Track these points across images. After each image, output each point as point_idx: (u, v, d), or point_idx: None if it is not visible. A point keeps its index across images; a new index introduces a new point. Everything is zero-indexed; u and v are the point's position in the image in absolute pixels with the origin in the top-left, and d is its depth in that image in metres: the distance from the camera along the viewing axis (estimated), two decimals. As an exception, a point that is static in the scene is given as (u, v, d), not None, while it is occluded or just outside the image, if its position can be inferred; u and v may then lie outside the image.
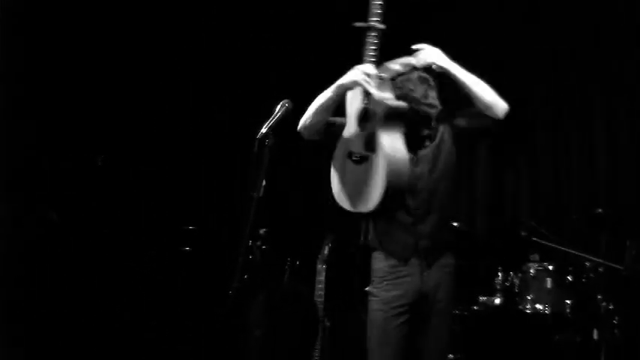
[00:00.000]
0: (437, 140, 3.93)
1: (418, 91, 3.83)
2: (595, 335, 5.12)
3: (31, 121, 5.97)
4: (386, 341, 3.86)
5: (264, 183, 3.66)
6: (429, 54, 3.90)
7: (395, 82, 3.88)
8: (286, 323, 5.55)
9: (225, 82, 6.58)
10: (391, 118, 3.81)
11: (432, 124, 3.91)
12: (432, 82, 3.86)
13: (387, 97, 3.80)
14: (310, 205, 6.41)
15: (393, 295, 3.85)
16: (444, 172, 3.93)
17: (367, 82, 3.80)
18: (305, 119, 3.94)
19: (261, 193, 3.66)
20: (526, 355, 5.20)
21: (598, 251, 5.20)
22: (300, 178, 6.31)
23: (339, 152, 3.93)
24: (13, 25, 5.84)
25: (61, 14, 6.11)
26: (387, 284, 3.88)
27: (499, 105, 3.85)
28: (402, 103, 3.82)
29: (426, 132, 3.92)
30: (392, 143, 3.77)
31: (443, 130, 3.94)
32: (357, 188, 3.83)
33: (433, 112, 3.85)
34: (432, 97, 3.85)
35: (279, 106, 3.82)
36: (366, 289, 3.99)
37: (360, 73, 3.81)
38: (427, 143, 3.93)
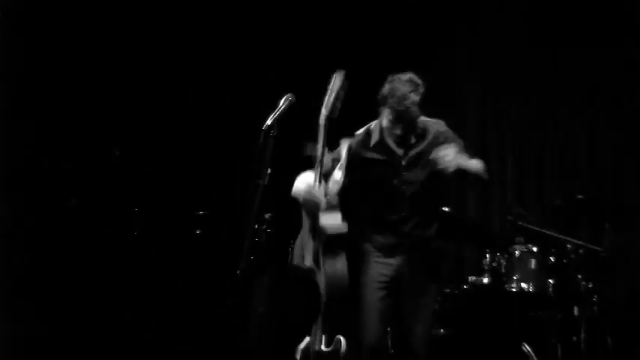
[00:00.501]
0: (425, 146, 4.09)
1: (401, 90, 3.95)
2: (575, 312, 5.18)
3: (31, 121, 5.80)
4: (371, 310, 4.17)
5: (269, 171, 3.74)
6: (450, 161, 3.87)
7: (387, 78, 4.02)
8: (288, 300, 5.60)
9: (230, 81, 6.58)
10: (332, 244, 3.95)
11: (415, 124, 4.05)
12: (420, 89, 3.98)
13: (329, 223, 3.93)
14: None
15: (377, 272, 4.15)
16: (429, 178, 4.09)
17: (315, 208, 3.95)
18: None
19: (266, 181, 3.74)
20: (511, 330, 5.23)
21: (578, 234, 5.29)
22: (302, 167, 6.34)
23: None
24: (13, 25, 5.70)
25: (61, 14, 5.99)
26: (372, 265, 4.17)
27: (482, 183, 4.12)
28: (340, 229, 3.95)
29: (401, 131, 4.08)
30: (333, 268, 3.95)
31: (434, 140, 4.09)
32: None
33: (408, 112, 3.97)
34: (412, 100, 3.95)
35: (283, 100, 3.88)
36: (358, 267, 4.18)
37: (307, 199, 4.00)
38: (413, 141, 4.09)
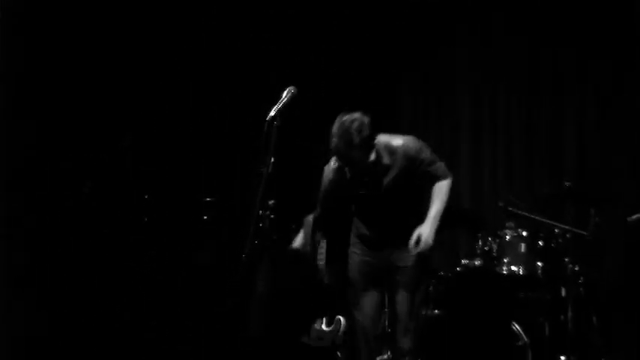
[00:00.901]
0: (397, 170, 4.16)
1: (338, 138, 4.01)
2: (563, 293, 5.21)
3: (31, 121, 5.62)
4: (357, 287, 4.38)
5: (272, 160, 3.78)
6: (425, 243, 4.05)
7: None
8: (288, 280, 5.65)
9: (235, 78, 6.62)
10: None
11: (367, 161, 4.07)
12: (364, 132, 4.00)
13: None
14: (313, 179, 6.46)
15: (363, 260, 4.37)
16: (402, 196, 4.23)
17: None
18: None
19: (270, 169, 3.78)
20: (502, 310, 5.27)
21: (565, 219, 5.34)
22: (303, 156, 6.36)
23: None
24: (13, 25, 5.52)
25: (61, 13, 5.83)
26: (359, 251, 4.37)
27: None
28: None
29: (351, 172, 4.16)
30: None
31: (406, 164, 4.15)
32: None
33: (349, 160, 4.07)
34: (348, 151, 4.01)
35: (285, 92, 3.90)
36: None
37: None
38: (383, 171, 4.15)
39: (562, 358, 4.98)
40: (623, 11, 6.09)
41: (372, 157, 4.09)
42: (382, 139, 4.16)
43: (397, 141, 4.19)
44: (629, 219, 5.19)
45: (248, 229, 3.72)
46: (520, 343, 5.02)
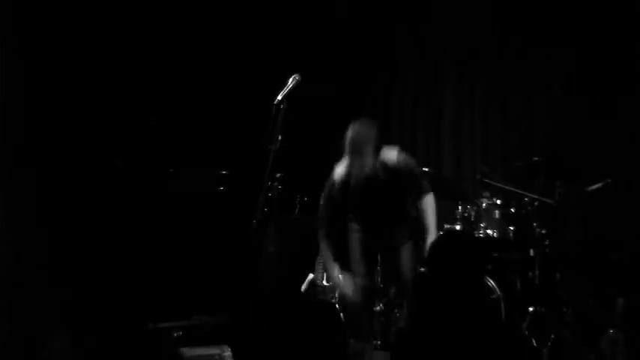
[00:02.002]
0: (386, 186, 4.56)
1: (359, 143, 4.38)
2: (531, 253, 5.30)
3: (63, 105, 5.40)
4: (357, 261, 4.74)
5: (280, 138, 3.87)
6: None
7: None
8: (294, 243, 5.73)
9: (248, 66, 6.61)
10: None
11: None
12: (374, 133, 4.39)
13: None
14: (315, 155, 6.50)
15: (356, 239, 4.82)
16: (392, 202, 4.65)
17: None
18: None
19: (277, 146, 3.87)
20: (479, 267, 5.32)
21: (534, 190, 5.35)
22: (307, 135, 6.39)
23: None
24: (13, 24, 5.19)
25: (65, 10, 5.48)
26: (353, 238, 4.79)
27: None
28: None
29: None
30: None
31: (393, 180, 4.54)
32: None
33: None
34: None
35: (290, 79, 3.97)
36: None
37: None
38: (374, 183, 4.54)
39: (530, 309, 5.03)
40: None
41: (370, 168, 4.37)
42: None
43: (391, 159, 4.54)
44: (588, 189, 5.29)
45: (258, 199, 3.83)
46: (494, 296, 5.11)
